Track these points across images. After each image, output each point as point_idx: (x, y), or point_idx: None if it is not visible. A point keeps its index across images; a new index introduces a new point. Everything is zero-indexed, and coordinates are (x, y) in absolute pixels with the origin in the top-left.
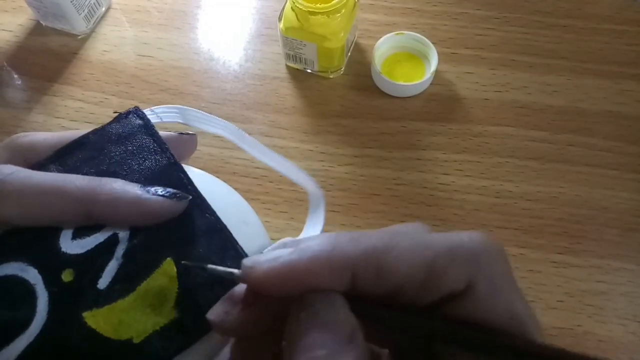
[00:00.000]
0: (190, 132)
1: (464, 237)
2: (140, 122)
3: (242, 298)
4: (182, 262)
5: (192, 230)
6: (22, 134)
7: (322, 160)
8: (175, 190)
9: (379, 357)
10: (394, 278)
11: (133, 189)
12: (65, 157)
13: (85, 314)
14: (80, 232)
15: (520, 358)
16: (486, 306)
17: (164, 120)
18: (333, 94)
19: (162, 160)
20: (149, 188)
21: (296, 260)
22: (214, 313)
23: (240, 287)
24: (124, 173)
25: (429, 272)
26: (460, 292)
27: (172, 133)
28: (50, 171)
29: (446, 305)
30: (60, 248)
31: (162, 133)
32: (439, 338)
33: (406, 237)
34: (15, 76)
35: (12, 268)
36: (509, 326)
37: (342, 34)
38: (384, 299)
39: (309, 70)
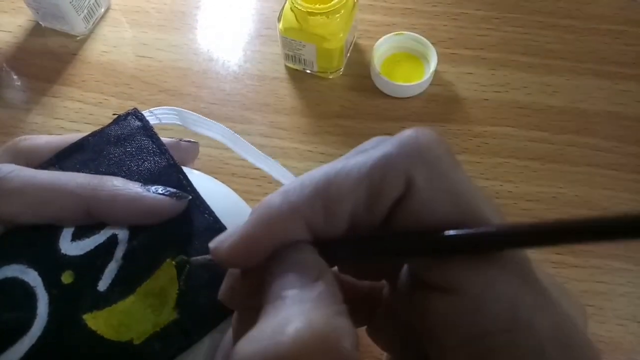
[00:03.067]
0: (192, 140)
1: (395, 139)
2: (139, 123)
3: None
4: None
5: (191, 231)
6: (24, 137)
7: (321, 161)
8: (175, 190)
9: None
10: (342, 211)
11: (134, 187)
12: (65, 159)
13: (85, 316)
14: (79, 234)
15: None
16: (429, 196)
17: (162, 121)
18: (332, 95)
19: (161, 162)
20: (149, 187)
21: (251, 228)
22: (222, 291)
23: None
24: (124, 174)
25: (370, 190)
26: (403, 194)
27: (172, 139)
28: None
29: (398, 214)
30: (60, 250)
31: (162, 139)
32: (400, 255)
33: (346, 164)
34: (15, 77)
35: (13, 270)
36: (456, 210)
37: (342, 35)
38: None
39: (308, 71)
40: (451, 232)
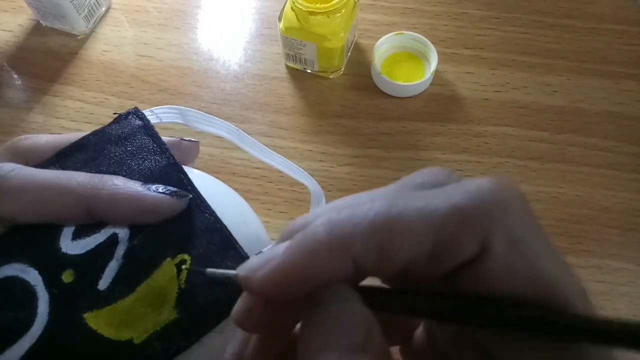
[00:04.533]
0: (193, 139)
1: (471, 189)
2: (139, 122)
3: None
4: (182, 266)
5: (192, 231)
6: (24, 136)
7: (321, 161)
8: (175, 189)
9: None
10: (399, 257)
11: (134, 186)
12: (65, 158)
13: (86, 315)
14: (80, 233)
15: (541, 329)
16: (505, 267)
17: (163, 120)
18: (333, 94)
19: (162, 161)
20: (149, 186)
21: (290, 259)
22: (237, 311)
23: None
24: (124, 173)
25: (437, 242)
26: (476, 256)
27: (173, 138)
28: None
29: (463, 274)
30: (61, 249)
31: (163, 138)
32: (458, 319)
33: (408, 203)
34: (15, 76)
35: (13, 269)
36: (534, 289)
37: (342, 34)
38: (399, 280)
39: (308, 71)
40: (529, 312)
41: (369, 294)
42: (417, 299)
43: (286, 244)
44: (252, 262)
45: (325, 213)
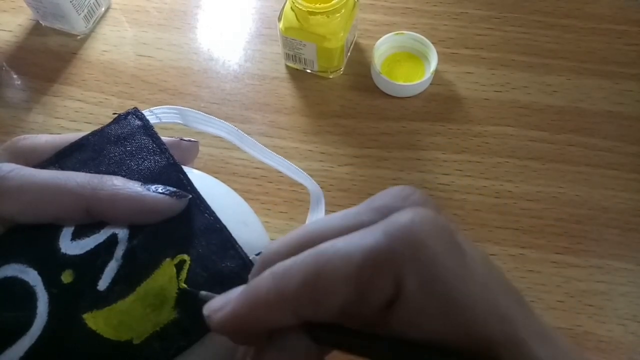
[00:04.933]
0: (192, 139)
1: (388, 227)
2: (139, 123)
3: None
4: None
5: (192, 231)
6: (23, 136)
7: (321, 161)
8: (175, 189)
9: None
10: (329, 305)
11: (134, 186)
12: (65, 158)
13: (85, 315)
14: (79, 233)
15: None
16: (419, 307)
17: (163, 120)
18: (333, 94)
19: (162, 161)
20: (149, 186)
21: (239, 309)
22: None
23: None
24: (123, 173)
25: (358, 287)
26: (393, 296)
27: (172, 138)
28: None
29: (389, 316)
30: (60, 249)
31: (162, 138)
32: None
33: (336, 250)
34: (15, 76)
35: (13, 270)
36: (453, 327)
37: (342, 34)
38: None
39: (308, 70)
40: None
41: (317, 331)
42: (353, 340)
43: (239, 289)
44: (214, 302)
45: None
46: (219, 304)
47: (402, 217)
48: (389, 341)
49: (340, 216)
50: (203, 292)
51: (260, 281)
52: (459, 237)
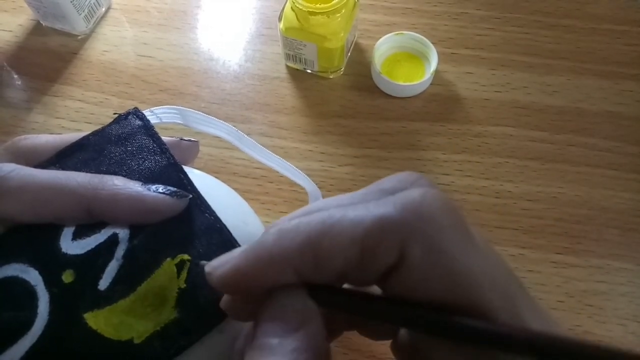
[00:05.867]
0: (192, 139)
1: (398, 199)
2: (139, 122)
3: None
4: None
5: (192, 231)
6: (24, 136)
7: (321, 161)
8: (175, 189)
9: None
10: (332, 265)
11: (134, 186)
12: (65, 158)
13: (86, 315)
14: (80, 233)
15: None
16: (421, 273)
17: (163, 120)
18: (333, 94)
19: (162, 161)
20: (149, 186)
21: (242, 263)
22: (223, 301)
23: None
24: (124, 173)
25: (363, 251)
26: (396, 264)
27: (172, 138)
28: None
29: (390, 280)
30: (61, 249)
31: (163, 138)
32: (386, 320)
33: (345, 214)
34: (15, 76)
35: (13, 269)
36: (453, 293)
37: (342, 34)
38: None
39: (308, 71)
40: (434, 317)
41: (316, 288)
42: (351, 300)
43: (243, 248)
44: (217, 260)
45: (279, 223)
46: (221, 261)
47: (414, 193)
48: (388, 299)
49: (348, 196)
50: (204, 262)
51: (266, 236)
52: (465, 219)
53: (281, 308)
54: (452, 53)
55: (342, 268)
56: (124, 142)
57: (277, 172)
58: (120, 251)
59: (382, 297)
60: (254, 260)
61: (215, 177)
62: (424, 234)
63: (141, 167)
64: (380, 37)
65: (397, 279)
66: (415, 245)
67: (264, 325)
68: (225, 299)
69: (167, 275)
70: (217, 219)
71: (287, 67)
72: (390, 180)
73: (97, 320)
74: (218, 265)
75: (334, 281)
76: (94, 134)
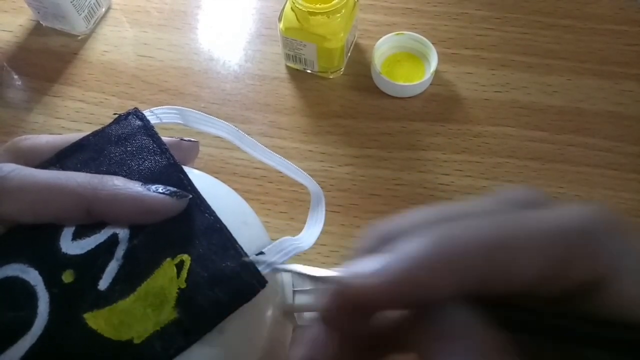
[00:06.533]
0: (192, 139)
1: (577, 214)
2: (139, 123)
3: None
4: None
5: (192, 231)
6: (24, 137)
7: (321, 161)
8: (175, 189)
9: None
10: (506, 278)
11: (134, 186)
12: (65, 159)
13: (86, 315)
14: (80, 233)
15: None
16: (630, 293)
17: (163, 121)
18: (333, 94)
19: (162, 161)
20: (149, 186)
21: (397, 272)
22: (327, 306)
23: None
24: (124, 174)
25: (546, 265)
26: (592, 281)
27: (172, 138)
28: None
29: (581, 298)
30: (61, 249)
31: (163, 138)
32: (585, 342)
33: (517, 224)
34: (15, 76)
35: (13, 269)
36: None
37: (342, 34)
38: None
39: (308, 71)
40: None
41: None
42: (544, 318)
43: (392, 256)
44: (357, 266)
45: (432, 227)
46: (367, 268)
47: (587, 208)
48: (592, 319)
49: (476, 204)
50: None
51: (417, 246)
52: None
53: (464, 337)
54: (452, 53)
55: (515, 283)
56: (124, 142)
57: (278, 172)
58: (120, 251)
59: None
60: (416, 269)
61: (216, 177)
62: (615, 250)
63: (141, 168)
64: (380, 37)
65: (597, 298)
66: (625, 260)
67: (442, 346)
68: (330, 310)
69: (167, 275)
70: (217, 219)
71: (287, 67)
72: (519, 193)
73: (97, 320)
74: (363, 273)
75: (503, 294)
76: (94, 134)
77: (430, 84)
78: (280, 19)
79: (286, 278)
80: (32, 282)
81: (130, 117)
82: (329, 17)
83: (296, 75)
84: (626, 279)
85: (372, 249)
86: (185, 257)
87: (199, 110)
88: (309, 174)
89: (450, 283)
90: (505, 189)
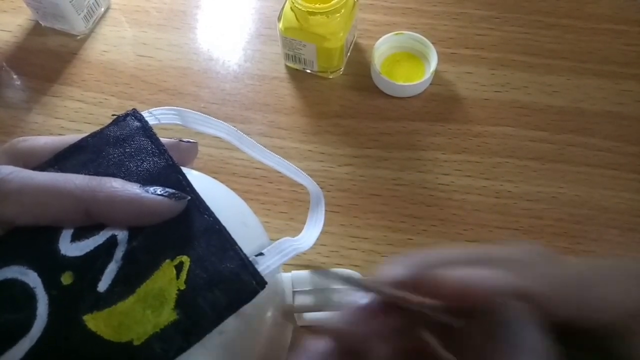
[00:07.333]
0: (191, 140)
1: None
2: (138, 124)
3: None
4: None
5: (191, 232)
6: (22, 138)
7: (321, 161)
8: (174, 190)
9: None
10: (596, 317)
11: (132, 188)
12: (63, 160)
13: (85, 317)
14: (79, 235)
15: None
16: None
17: (162, 122)
18: (332, 94)
19: (160, 162)
20: (148, 187)
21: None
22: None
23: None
24: (122, 175)
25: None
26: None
27: (171, 139)
28: None
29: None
30: (60, 251)
31: (161, 139)
32: None
33: (613, 273)
34: (15, 76)
35: (12, 271)
36: None
37: (342, 34)
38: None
39: (308, 71)
40: None
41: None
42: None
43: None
44: (409, 259)
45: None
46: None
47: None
48: None
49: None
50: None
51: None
52: None
53: (528, 344)
54: (451, 53)
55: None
56: (122, 143)
57: (277, 172)
58: (119, 253)
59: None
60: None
61: (215, 177)
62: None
63: (139, 169)
64: (380, 37)
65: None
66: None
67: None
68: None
69: (166, 276)
70: (216, 220)
71: (287, 67)
72: (506, 252)
73: (97, 322)
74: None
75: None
76: (92, 135)
77: (430, 84)
78: (279, 19)
79: (286, 279)
80: (31, 284)
81: (128, 118)
82: (328, 17)
83: (296, 75)
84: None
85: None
86: (185, 259)
87: (198, 110)
88: (308, 174)
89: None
90: (498, 249)
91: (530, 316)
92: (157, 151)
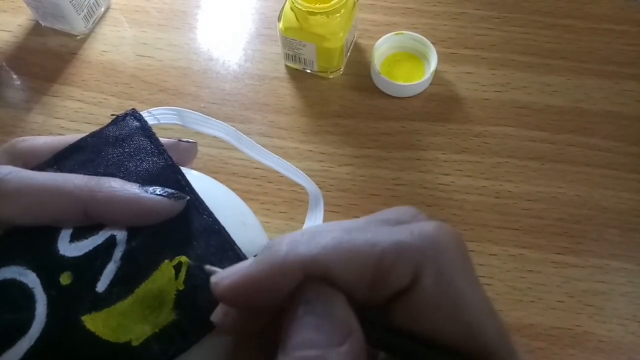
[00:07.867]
0: (191, 140)
1: (414, 228)
2: (137, 124)
3: None
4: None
5: (190, 232)
6: (22, 138)
7: (321, 161)
8: (173, 190)
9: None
10: (344, 280)
11: (131, 188)
12: (63, 160)
13: (84, 317)
14: (78, 235)
15: None
16: (431, 299)
17: (161, 122)
18: (332, 94)
19: (160, 162)
20: (147, 187)
21: (250, 272)
22: (215, 314)
23: None
24: (122, 175)
25: (376, 271)
26: (408, 287)
27: (170, 139)
28: None
29: (396, 302)
30: (59, 251)
31: (161, 139)
32: (384, 347)
33: (358, 235)
34: (15, 76)
35: (11, 272)
36: (456, 325)
37: (342, 34)
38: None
39: (308, 71)
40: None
41: None
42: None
43: (252, 259)
44: (226, 271)
45: (285, 238)
46: (231, 271)
47: (429, 225)
48: (386, 327)
49: (350, 222)
50: (210, 267)
51: (278, 246)
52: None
53: (324, 315)
54: (451, 53)
55: (353, 285)
56: (122, 143)
57: (277, 172)
58: (118, 253)
59: (379, 323)
60: (267, 268)
61: (214, 177)
62: (437, 263)
63: (139, 169)
64: (380, 37)
65: (404, 305)
66: (429, 273)
67: (299, 336)
68: (218, 312)
69: (165, 277)
70: (216, 221)
71: (287, 67)
72: (391, 213)
73: (95, 322)
74: (227, 275)
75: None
76: (92, 135)
77: (430, 84)
78: (279, 19)
79: None
80: (30, 285)
81: (127, 118)
82: (328, 17)
83: (296, 75)
84: (423, 287)
85: None
86: (184, 259)
87: (198, 110)
88: (308, 174)
89: (298, 280)
90: (382, 211)
91: (331, 292)
92: (156, 151)
